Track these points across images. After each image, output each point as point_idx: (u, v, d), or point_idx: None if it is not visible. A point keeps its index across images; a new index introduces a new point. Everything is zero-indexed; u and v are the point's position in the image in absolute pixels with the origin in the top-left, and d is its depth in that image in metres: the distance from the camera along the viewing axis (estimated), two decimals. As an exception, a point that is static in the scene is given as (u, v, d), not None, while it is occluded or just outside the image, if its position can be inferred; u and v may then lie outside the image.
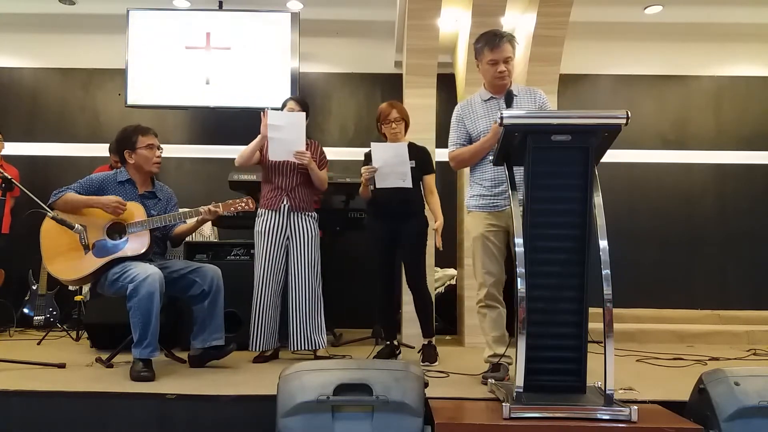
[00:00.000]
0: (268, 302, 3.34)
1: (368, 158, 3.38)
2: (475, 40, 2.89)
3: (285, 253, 3.39)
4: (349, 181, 4.11)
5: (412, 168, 3.36)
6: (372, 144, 3.33)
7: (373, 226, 3.53)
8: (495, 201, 2.84)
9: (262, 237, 3.37)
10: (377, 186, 3.36)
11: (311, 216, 3.45)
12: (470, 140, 2.91)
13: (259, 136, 3.35)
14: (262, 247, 3.37)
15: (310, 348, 3.36)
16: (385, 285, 3.53)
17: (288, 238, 3.38)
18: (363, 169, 3.36)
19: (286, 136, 3.27)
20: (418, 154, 3.48)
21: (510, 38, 2.79)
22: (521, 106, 2.84)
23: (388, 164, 3.28)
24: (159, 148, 3.21)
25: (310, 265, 3.37)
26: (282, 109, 3.46)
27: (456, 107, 3.01)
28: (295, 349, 3.36)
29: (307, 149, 3.34)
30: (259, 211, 3.44)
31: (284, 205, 3.38)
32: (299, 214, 3.40)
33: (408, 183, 3.28)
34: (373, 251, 3.52)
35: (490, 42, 2.77)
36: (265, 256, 3.35)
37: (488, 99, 2.90)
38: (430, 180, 3.53)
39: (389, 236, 3.44)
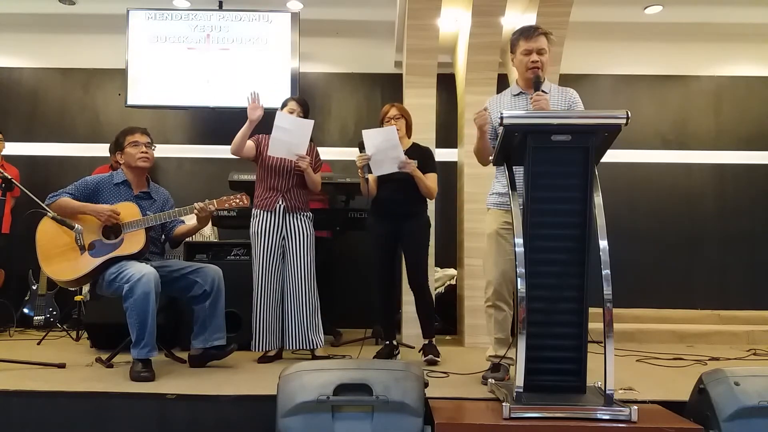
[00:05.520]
0: (269, 303, 3.34)
1: (362, 147, 3.37)
2: (512, 34, 2.87)
3: (282, 253, 3.39)
4: (349, 181, 4.11)
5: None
6: (363, 131, 3.34)
7: (374, 225, 3.52)
8: None
9: (259, 238, 3.37)
10: (374, 174, 3.36)
11: (306, 216, 3.45)
12: (496, 133, 2.90)
13: (247, 122, 3.30)
14: (259, 248, 3.37)
15: (307, 347, 3.36)
16: (383, 284, 3.52)
17: (284, 238, 3.38)
18: (356, 157, 3.36)
19: (290, 138, 3.28)
20: (419, 153, 3.48)
21: (546, 32, 2.78)
22: (552, 103, 2.80)
23: (380, 150, 3.28)
24: (148, 144, 3.20)
25: (306, 265, 3.37)
26: (282, 108, 3.46)
27: (486, 102, 2.98)
28: (292, 348, 3.36)
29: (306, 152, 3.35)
30: (254, 211, 3.43)
31: (279, 206, 3.38)
32: (294, 215, 3.40)
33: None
34: (374, 250, 3.51)
35: (526, 33, 2.78)
36: (263, 257, 3.35)
37: (518, 94, 2.89)
38: (431, 177, 3.50)
39: (391, 235, 3.44)
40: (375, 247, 3.50)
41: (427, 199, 3.51)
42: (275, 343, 3.36)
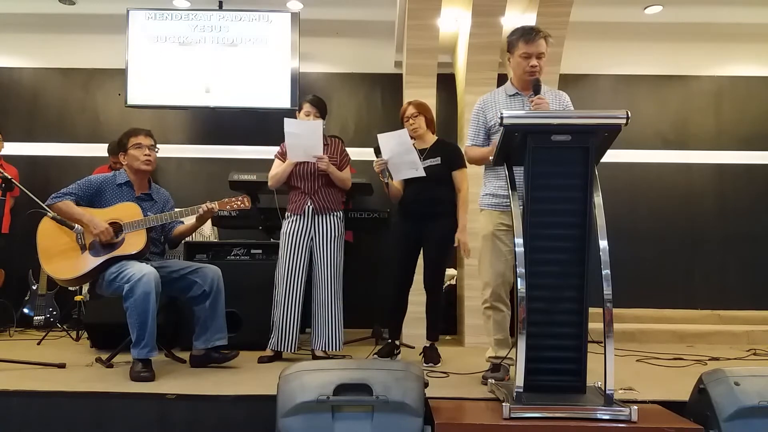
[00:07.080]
0: (293, 304, 3.33)
1: (378, 152, 3.34)
2: (510, 33, 2.84)
3: (309, 256, 3.39)
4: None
5: (437, 165, 3.36)
6: (378, 136, 3.31)
7: (399, 225, 3.49)
8: (508, 200, 2.81)
9: (287, 239, 3.38)
10: (394, 179, 3.35)
11: (336, 216, 3.45)
12: (488, 133, 2.89)
13: (287, 163, 3.38)
14: (287, 249, 3.37)
15: (328, 349, 3.35)
16: (400, 285, 3.47)
17: (312, 239, 3.39)
18: (374, 163, 3.34)
19: (302, 141, 3.29)
20: (444, 150, 3.45)
21: (545, 35, 2.75)
22: None
23: (396, 154, 3.24)
24: (152, 147, 3.20)
25: (333, 265, 3.37)
26: (299, 110, 3.46)
27: (478, 100, 2.95)
28: (318, 348, 3.36)
29: (327, 150, 3.36)
30: (287, 214, 3.46)
31: (308, 208, 3.38)
32: (324, 216, 3.40)
33: (420, 172, 3.23)
34: (396, 250, 3.47)
35: (526, 35, 2.73)
36: (289, 259, 3.35)
37: (514, 94, 2.86)
38: (459, 175, 3.43)
39: (414, 236, 3.40)
40: (398, 247, 3.47)
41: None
42: (293, 345, 3.34)
